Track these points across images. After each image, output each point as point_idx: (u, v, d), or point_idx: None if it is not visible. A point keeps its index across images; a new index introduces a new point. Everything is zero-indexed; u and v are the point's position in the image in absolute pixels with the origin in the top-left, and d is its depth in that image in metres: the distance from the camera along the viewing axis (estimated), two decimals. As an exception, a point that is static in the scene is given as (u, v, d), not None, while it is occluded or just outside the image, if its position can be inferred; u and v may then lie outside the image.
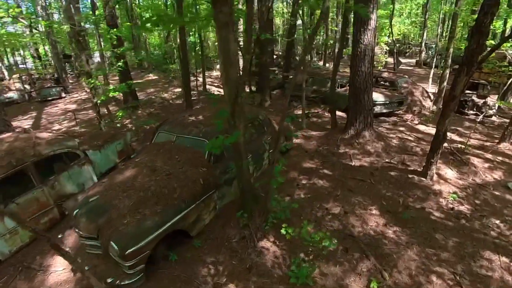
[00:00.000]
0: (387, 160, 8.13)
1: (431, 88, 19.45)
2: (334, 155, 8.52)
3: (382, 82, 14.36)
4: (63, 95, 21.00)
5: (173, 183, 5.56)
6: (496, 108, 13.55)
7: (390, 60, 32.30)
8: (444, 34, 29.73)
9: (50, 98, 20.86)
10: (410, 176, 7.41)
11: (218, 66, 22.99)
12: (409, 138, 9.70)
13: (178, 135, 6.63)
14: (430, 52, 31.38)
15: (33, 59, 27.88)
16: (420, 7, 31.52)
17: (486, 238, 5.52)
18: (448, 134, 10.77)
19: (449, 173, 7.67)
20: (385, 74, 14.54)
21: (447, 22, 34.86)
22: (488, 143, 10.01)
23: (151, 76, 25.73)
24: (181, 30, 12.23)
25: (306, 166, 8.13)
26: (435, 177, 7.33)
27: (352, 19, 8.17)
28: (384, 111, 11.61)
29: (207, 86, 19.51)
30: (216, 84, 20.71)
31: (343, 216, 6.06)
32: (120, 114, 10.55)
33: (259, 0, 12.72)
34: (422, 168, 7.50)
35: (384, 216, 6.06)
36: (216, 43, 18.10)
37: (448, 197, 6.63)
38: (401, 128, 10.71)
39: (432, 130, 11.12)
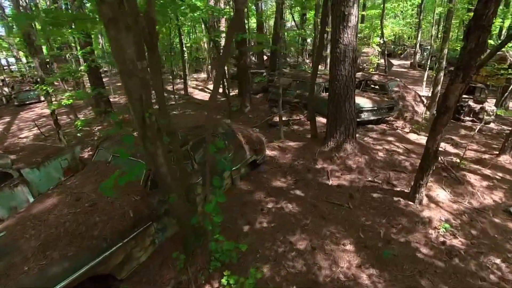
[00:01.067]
0: (370, 179, 6.94)
1: (425, 91, 18.29)
2: (310, 171, 7.33)
3: (372, 86, 13.19)
4: (42, 98, 19.80)
5: (95, 217, 4.40)
6: (495, 114, 12.38)
7: (395, 61, 31.26)
8: (439, 36, 28.53)
9: (28, 102, 19.71)
10: (395, 199, 6.22)
11: (209, 68, 21.79)
12: (398, 150, 8.51)
13: (114, 154, 5.45)
14: (425, 53, 30.25)
15: (16, 61, 26.71)
16: (414, 7, 30.35)
17: (483, 286, 4.34)
18: (442, 144, 9.60)
19: (442, 194, 6.48)
20: (376, 77, 13.35)
21: (442, 23, 33.70)
22: (486, 155, 8.85)
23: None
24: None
25: (276, 185, 6.94)
26: (424, 200, 6.14)
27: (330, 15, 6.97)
28: (372, 118, 10.43)
29: (191, 90, 18.35)
30: (201, 87, 19.53)
31: (310, 254, 4.87)
32: (79, 123, 9.36)
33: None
34: (410, 189, 6.32)
35: (360, 254, 4.86)
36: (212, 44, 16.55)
37: (439, 227, 5.43)
38: (390, 138, 9.52)
39: (424, 139, 9.96)
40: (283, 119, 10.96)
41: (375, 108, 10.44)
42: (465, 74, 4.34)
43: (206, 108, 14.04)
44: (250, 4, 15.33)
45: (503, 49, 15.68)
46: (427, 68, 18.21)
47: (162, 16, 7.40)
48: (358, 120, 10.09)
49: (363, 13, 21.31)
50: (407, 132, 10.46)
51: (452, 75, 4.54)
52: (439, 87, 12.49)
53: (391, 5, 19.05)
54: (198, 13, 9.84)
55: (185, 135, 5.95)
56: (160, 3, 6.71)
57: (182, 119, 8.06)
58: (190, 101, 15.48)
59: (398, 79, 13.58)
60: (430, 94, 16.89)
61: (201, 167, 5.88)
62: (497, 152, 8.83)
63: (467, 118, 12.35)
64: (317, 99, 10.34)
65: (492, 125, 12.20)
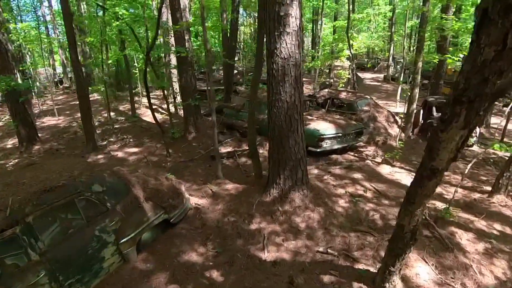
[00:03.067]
0: (321, 249, 4.69)
1: (400, 107, 16.44)
2: (241, 235, 5.04)
3: (340, 105, 11.16)
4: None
5: None
6: (478, 134, 10.47)
7: (368, 74, 29.69)
8: (411, 48, 27.19)
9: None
10: (356, 286, 3.98)
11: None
12: (367, 194, 6.33)
13: None
14: (398, 66, 28.87)
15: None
16: (386, 20, 29.07)
17: None
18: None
19: (423, 272, 4.30)
20: (343, 95, 11.31)
21: (413, 36, 32.59)
22: (476, 194, 6.82)
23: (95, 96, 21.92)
24: (70, 42, 8.70)
25: (189, 260, 4.62)
26: (398, 286, 3.94)
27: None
28: (337, 147, 8.28)
29: (144, 110, 15.92)
30: (155, 106, 17.08)
31: None
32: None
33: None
34: (377, 269, 4.11)
35: None
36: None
37: None
38: (357, 175, 7.35)
39: (400, 173, 7.87)
40: (229, 150, 8.70)
41: (340, 134, 8.31)
42: (470, 112, 2.14)
43: (151, 133, 11.68)
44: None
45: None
46: (401, 82, 16.42)
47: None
48: (319, 150, 7.95)
49: (333, 24, 19.61)
50: (379, 163, 8.35)
51: (445, 114, 2.33)
52: (414, 105, 10.54)
53: (359, 14, 17.31)
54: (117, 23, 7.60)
55: (22, 205, 3.61)
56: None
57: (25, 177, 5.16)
58: (135, 124, 13.07)
59: (368, 97, 11.58)
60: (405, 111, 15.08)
61: (52, 254, 3.57)
62: (489, 189, 6.84)
63: (447, 140, 10.38)
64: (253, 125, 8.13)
65: (475, 147, 10.26)
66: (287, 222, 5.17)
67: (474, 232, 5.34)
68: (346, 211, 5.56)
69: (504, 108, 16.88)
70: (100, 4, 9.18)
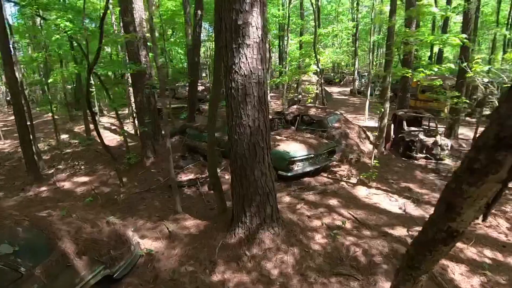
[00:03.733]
0: (299, 305, 3.82)
1: (368, 121, 16.20)
2: (200, 292, 4.07)
3: (310, 122, 10.54)
4: None
5: None
6: (449, 147, 10.16)
7: (335, 88, 29.66)
8: (375, 62, 27.61)
9: None
10: None
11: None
12: (346, 225, 5.55)
13: None
14: (362, 80, 29.27)
15: None
16: (350, 36, 29.54)
17: None
18: (400, 202, 6.91)
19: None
20: (313, 111, 10.71)
21: (376, 51, 33.42)
22: None
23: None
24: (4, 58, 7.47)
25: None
26: None
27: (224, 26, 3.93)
28: (309, 169, 7.54)
29: (102, 130, 14.56)
30: (115, 127, 15.74)
31: None
32: None
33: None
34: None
35: None
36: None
37: None
38: (332, 201, 6.61)
39: (377, 195, 7.23)
40: (191, 177, 7.71)
41: (312, 155, 7.59)
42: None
43: (106, 159, 10.41)
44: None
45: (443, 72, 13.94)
46: (368, 96, 16.24)
47: None
48: (290, 174, 7.16)
49: (300, 39, 19.36)
50: (355, 184, 7.69)
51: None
52: (385, 120, 10.11)
53: (325, 29, 17.10)
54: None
55: None
56: None
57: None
58: (89, 148, 11.75)
59: (338, 112, 11.07)
60: (376, 125, 14.78)
61: None
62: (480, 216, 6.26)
63: (420, 155, 9.99)
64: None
65: (448, 161, 9.91)
66: (256, 270, 4.25)
67: (466, 263, 4.70)
68: (324, 248, 4.74)
69: (467, 118, 17.19)
70: (40, 14, 8.04)
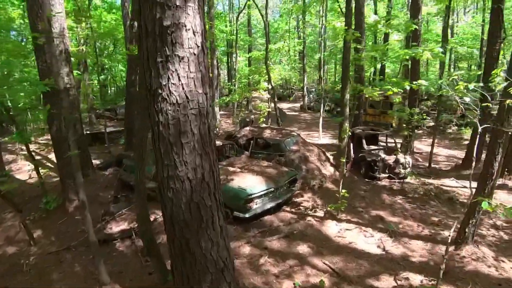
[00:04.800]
0: None
1: (323, 137, 15.54)
2: None
3: (265, 145, 9.36)
4: None
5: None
6: (411, 165, 9.58)
7: (285, 104, 29.06)
8: (323, 78, 27.76)
9: None
10: None
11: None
12: (325, 285, 4.30)
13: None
14: (311, 95, 29.31)
15: None
16: (297, 53, 29.62)
17: None
18: (375, 238, 5.90)
19: None
20: (268, 133, 9.56)
21: (322, 67, 34.04)
22: (441, 247, 5.45)
23: None
24: None
25: None
26: None
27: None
28: (270, 205, 6.25)
29: (23, 163, 12.05)
30: (45, 152, 13.18)
31: None
32: None
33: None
34: None
35: None
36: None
37: None
38: (302, 247, 5.35)
39: (350, 231, 6.15)
40: (124, 227, 6.02)
41: (272, 188, 6.33)
42: None
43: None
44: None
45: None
46: (322, 112, 15.63)
47: None
48: (248, 215, 5.82)
49: (248, 55, 18.47)
50: (323, 218, 6.55)
51: None
52: (345, 140, 9.28)
53: (275, 45, 16.42)
54: None
55: None
56: None
57: None
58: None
59: (295, 133, 10.05)
60: (331, 142, 14.11)
61: None
62: (446, 234, 5.60)
63: (383, 175, 9.26)
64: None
65: (410, 179, 9.27)
66: None
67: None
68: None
69: (419, 131, 17.34)
70: None
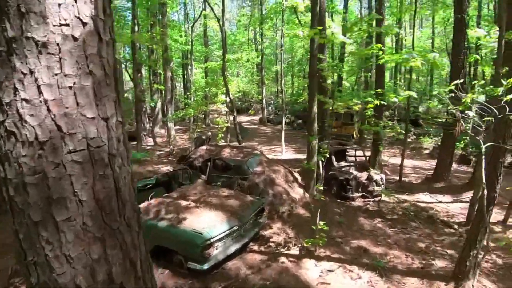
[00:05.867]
0: None
1: (286, 152, 14.56)
2: None
3: (225, 167, 8.05)
4: None
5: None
6: (384, 181, 8.79)
7: (244, 117, 27.75)
8: (282, 91, 27.22)
9: None
10: None
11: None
12: None
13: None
14: (270, 108, 28.60)
15: None
16: (254, 65, 28.87)
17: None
18: (367, 280, 4.80)
19: None
20: (227, 153, 8.27)
21: (279, 79, 33.67)
22: (440, 284, 4.50)
23: None
24: None
25: None
26: None
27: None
28: (234, 248, 4.92)
29: None
30: None
31: None
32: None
33: None
34: None
35: None
36: None
37: None
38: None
39: (333, 273, 5.00)
40: None
41: (236, 227, 5.02)
42: None
43: None
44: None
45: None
46: (283, 126, 14.67)
47: None
48: (206, 267, 4.43)
49: (204, 65, 17.13)
50: (299, 257, 5.36)
51: None
52: (315, 158, 8.28)
53: (233, 55, 15.31)
54: None
55: None
56: None
57: None
58: None
59: (258, 151, 8.88)
60: (294, 157, 13.13)
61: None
62: (441, 265, 4.79)
63: (356, 194, 8.37)
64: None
65: (385, 197, 8.46)
66: None
67: None
68: None
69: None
70: None
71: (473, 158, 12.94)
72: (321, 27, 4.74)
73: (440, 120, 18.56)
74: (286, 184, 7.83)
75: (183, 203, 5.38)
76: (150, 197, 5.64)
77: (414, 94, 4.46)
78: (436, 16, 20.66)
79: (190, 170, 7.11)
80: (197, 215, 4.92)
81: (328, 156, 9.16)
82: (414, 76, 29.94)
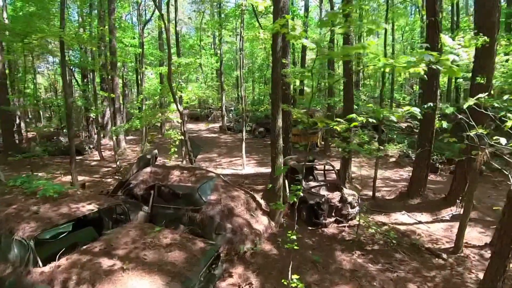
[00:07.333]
0: None
1: (247, 165, 13.12)
2: None
3: (173, 195, 6.41)
4: None
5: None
6: (358, 201, 7.61)
7: (203, 125, 25.82)
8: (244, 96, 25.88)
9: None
10: None
11: None
12: None
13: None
14: (230, 115, 27.13)
15: None
16: (214, 70, 27.29)
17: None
18: None
19: None
20: (176, 176, 6.65)
21: (240, 87, 32.41)
22: None
23: None
24: None
25: None
26: None
27: None
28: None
29: None
30: None
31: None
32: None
33: None
34: None
35: None
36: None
37: None
38: None
39: None
40: None
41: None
42: None
43: None
44: None
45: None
46: (243, 135, 13.21)
47: None
48: None
49: (157, 70, 15.20)
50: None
51: None
52: (281, 180, 6.94)
53: (186, 59, 13.64)
54: None
55: None
56: None
57: None
58: None
59: (214, 174, 7.30)
60: (256, 171, 11.72)
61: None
62: None
63: (329, 220, 7.13)
64: None
65: (359, 219, 7.32)
66: None
67: None
68: None
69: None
70: None
71: (440, 166, 12.44)
72: (285, 20, 3.41)
73: (402, 126, 18.28)
74: (247, 213, 6.40)
75: (106, 263, 3.73)
76: (58, 256, 3.89)
77: (417, 110, 3.26)
78: (396, 22, 20.59)
79: (125, 207, 5.36)
80: (122, 285, 3.30)
81: (291, 172, 7.97)
82: (372, 83, 30.15)
